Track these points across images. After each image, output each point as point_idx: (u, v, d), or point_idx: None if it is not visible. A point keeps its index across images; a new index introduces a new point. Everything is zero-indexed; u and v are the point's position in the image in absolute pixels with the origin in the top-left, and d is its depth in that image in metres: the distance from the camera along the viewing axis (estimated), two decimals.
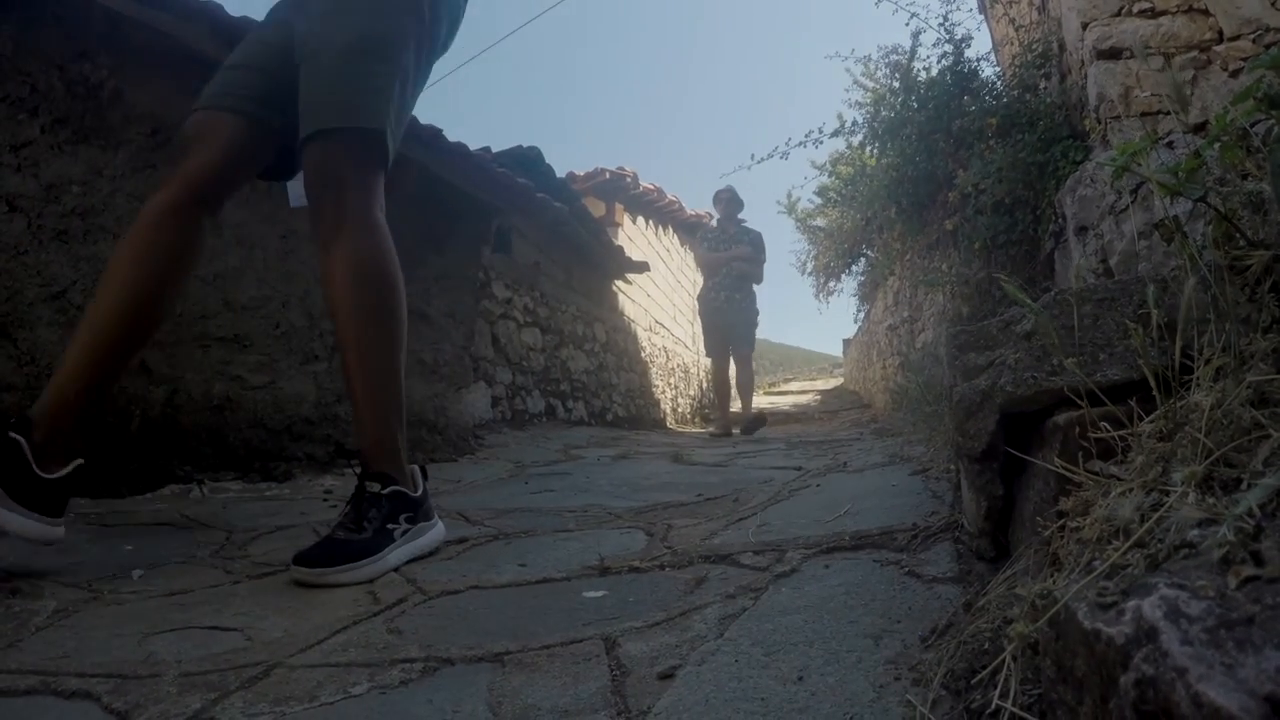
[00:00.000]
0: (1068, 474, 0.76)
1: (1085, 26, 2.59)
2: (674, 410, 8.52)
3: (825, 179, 8.04)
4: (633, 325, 7.35)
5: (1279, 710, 0.34)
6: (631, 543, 1.61)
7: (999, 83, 3.62)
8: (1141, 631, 0.42)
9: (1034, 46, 3.24)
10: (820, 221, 9.00)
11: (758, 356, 6.30)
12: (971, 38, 3.74)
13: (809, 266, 9.38)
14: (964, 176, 3.09)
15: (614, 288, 6.88)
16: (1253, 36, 2.43)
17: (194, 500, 2.20)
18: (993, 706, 0.63)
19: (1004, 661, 0.63)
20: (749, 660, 0.88)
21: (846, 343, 15.03)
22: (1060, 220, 2.48)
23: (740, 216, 6.16)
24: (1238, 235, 0.80)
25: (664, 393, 8.19)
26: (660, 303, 8.79)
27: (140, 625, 1.13)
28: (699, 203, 10.34)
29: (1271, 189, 0.80)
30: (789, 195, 10.37)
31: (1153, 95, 2.44)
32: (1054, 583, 0.60)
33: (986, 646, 0.75)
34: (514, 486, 2.59)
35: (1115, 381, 0.85)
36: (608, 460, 3.40)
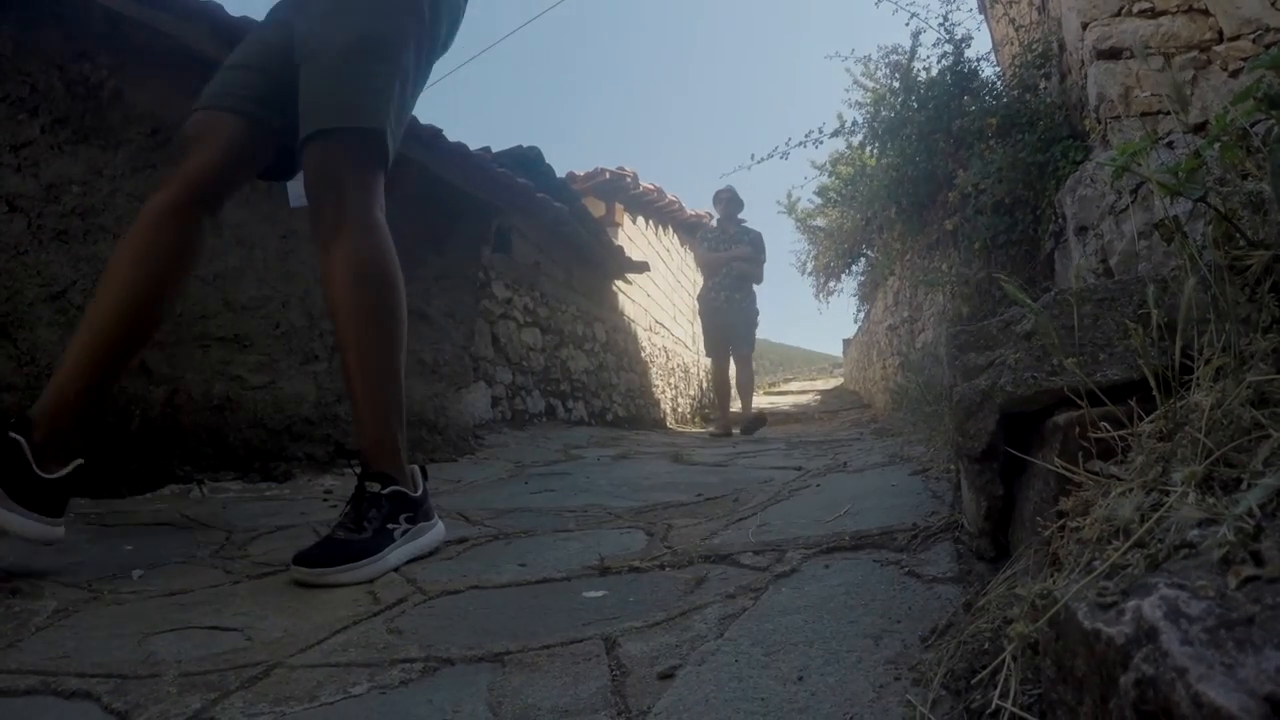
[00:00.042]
0: (1068, 474, 0.76)
1: (1085, 26, 2.59)
2: (674, 410, 8.52)
3: (825, 179, 8.05)
4: (633, 325, 7.35)
5: (1279, 710, 0.34)
6: (631, 543, 1.61)
7: (999, 83, 3.62)
8: (1141, 631, 0.42)
9: (1034, 46, 3.24)
10: (820, 221, 9.01)
11: (757, 356, 6.29)
12: (971, 38, 3.74)
13: (809, 266, 9.39)
14: (964, 176, 3.09)
15: (614, 288, 6.88)
16: (1253, 36, 2.43)
17: (194, 500, 2.20)
18: (993, 706, 0.63)
19: (1004, 661, 0.63)
20: (749, 660, 0.88)
21: (846, 343, 15.03)
22: (1060, 220, 2.48)
23: (740, 216, 6.15)
24: (1238, 235, 0.80)
25: (664, 393, 8.19)
26: (660, 303, 8.79)
27: (140, 625, 1.13)
28: (699, 203, 10.34)
29: (1271, 189, 0.80)
30: (789, 195, 10.37)
31: (1153, 95, 2.44)
32: (1054, 583, 0.60)
33: (986, 646, 0.75)
34: (514, 486, 2.59)
35: (1115, 381, 0.85)
36: (608, 460, 3.40)
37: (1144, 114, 2.44)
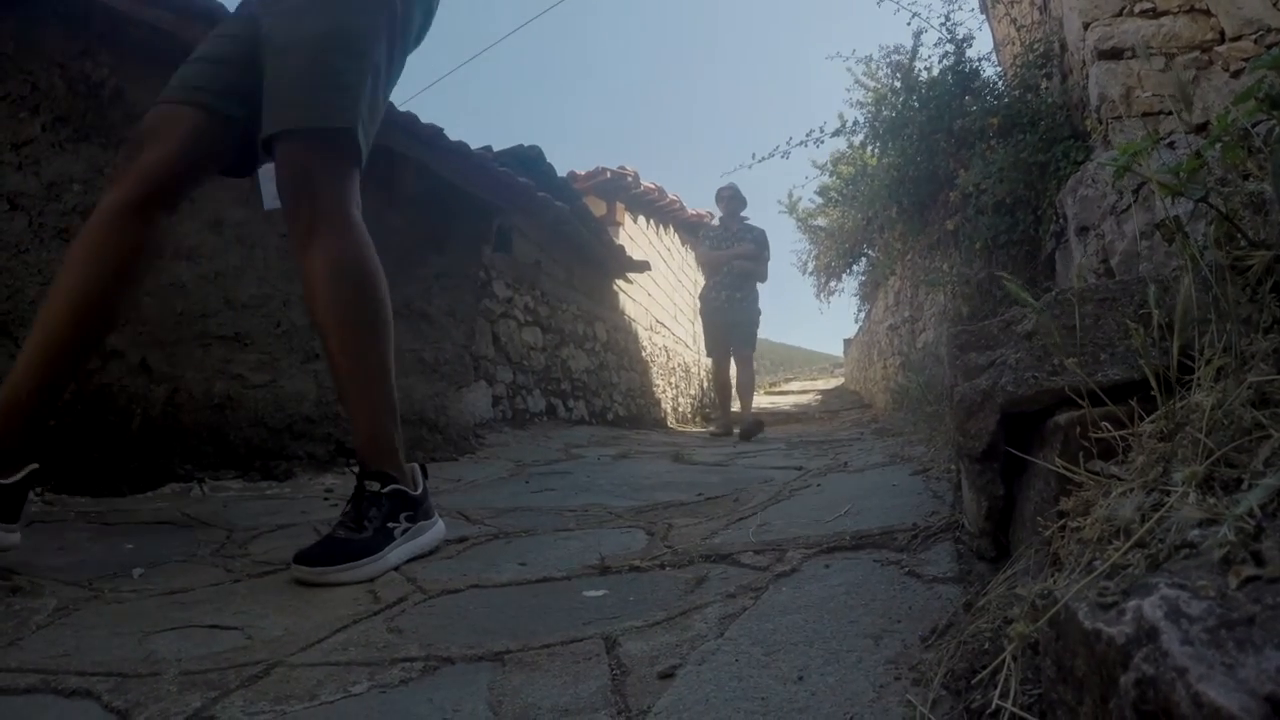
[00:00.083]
0: (1068, 474, 0.76)
1: (1087, 26, 2.59)
2: (674, 410, 8.52)
3: (826, 178, 8.05)
4: (633, 324, 7.35)
5: (1279, 710, 0.34)
6: (632, 542, 1.61)
7: (1000, 83, 3.62)
8: (1142, 631, 0.42)
9: (1035, 46, 3.24)
10: (821, 221, 9.01)
11: (758, 356, 6.25)
12: (973, 38, 3.74)
13: (810, 266, 9.40)
14: (965, 176, 3.09)
15: (615, 287, 6.88)
16: (1254, 37, 2.43)
17: (195, 499, 2.20)
18: (993, 706, 0.63)
19: (1004, 661, 0.63)
20: (749, 660, 0.88)
21: (847, 342, 15.03)
22: (1061, 220, 2.48)
23: (743, 215, 6.11)
24: (1239, 235, 0.80)
25: (664, 392, 8.19)
26: (661, 302, 8.79)
27: (141, 624, 1.13)
28: (700, 202, 10.36)
29: (1273, 189, 0.80)
30: (790, 195, 10.39)
31: (1154, 95, 2.44)
32: (1054, 583, 0.60)
33: (987, 646, 0.75)
34: (514, 485, 2.59)
35: (1116, 381, 0.85)
36: (608, 459, 3.40)
37: (1145, 114, 2.43)
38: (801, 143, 4.58)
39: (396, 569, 1.41)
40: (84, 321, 1.42)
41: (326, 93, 1.46)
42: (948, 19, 3.71)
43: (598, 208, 6.81)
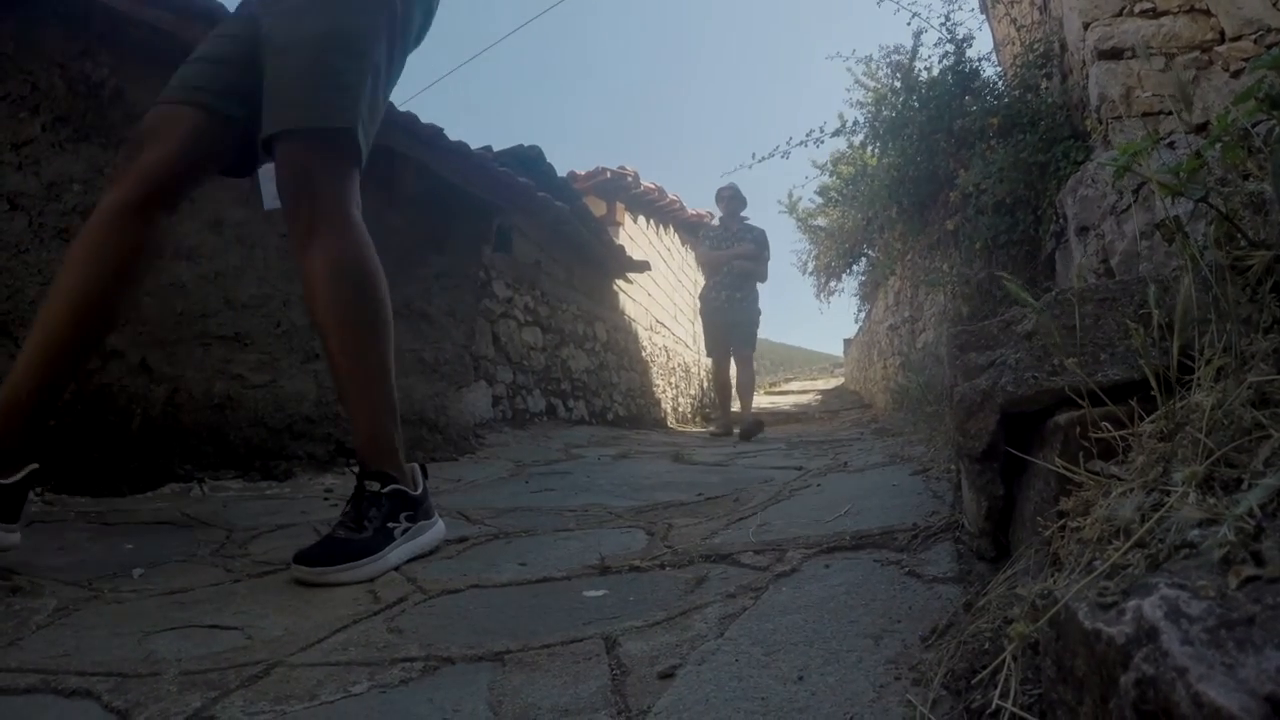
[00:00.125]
0: (1068, 474, 0.76)
1: (1087, 26, 2.59)
2: (674, 410, 8.52)
3: (826, 178, 8.04)
4: (633, 324, 7.35)
5: (1279, 710, 0.34)
6: (632, 542, 1.61)
7: (1000, 83, 3.61)
8: (1142, 631, 0.42)
9: (1035, 46, 3.24)
10: (821, 221, 9.01)
11: (758, 356, 6.23)
12: (973, 37, 3.74)
13: (810, 266, 9.39)
14: (965, 176, 3.09)
15: (615, 287, 6.88)
16: (1254, 37, 2.43)
17: (194, 499, 2.20)
18: (993, 706, 0.63)
19: (1004, 661, 0.63)
20: (749, 660, 0.88)
21: (847, 342, 15.03)
22: (1061, 220, 2.48)
23: (743, 214, 6.09)
24: (1239, 235, 0.80)
25: (664, 392, 8.19)
26: (661, 302, 8.79)
27: (140, 624, 1.13)
28: (700, 202, 10.36)
29: (1273, 189, 0.80)
30: (790, 195, 10.39)
31: (1154, 95, 2.44)
32: (1054, 583, 0.60)
33: (987, 646, 0.75)
34: (514, 485, 2.59)
35: (1116, 381, 0.85)
36: (608, 459, 3.40)
37: (1145, 114, 2.43)
38: (801, 143, 4.58)
39: (396, 569, 1.41)
40: (84, 321, 1.42)
41: (326, 93, 1.45)
42: (948, 19, 3.71)
43: (598, 208, 6.81)
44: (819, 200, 8.78)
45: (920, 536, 1.28)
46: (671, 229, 9.48)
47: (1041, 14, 3.40)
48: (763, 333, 6.18)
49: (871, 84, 5.81)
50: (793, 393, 14.62)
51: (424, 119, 3.25)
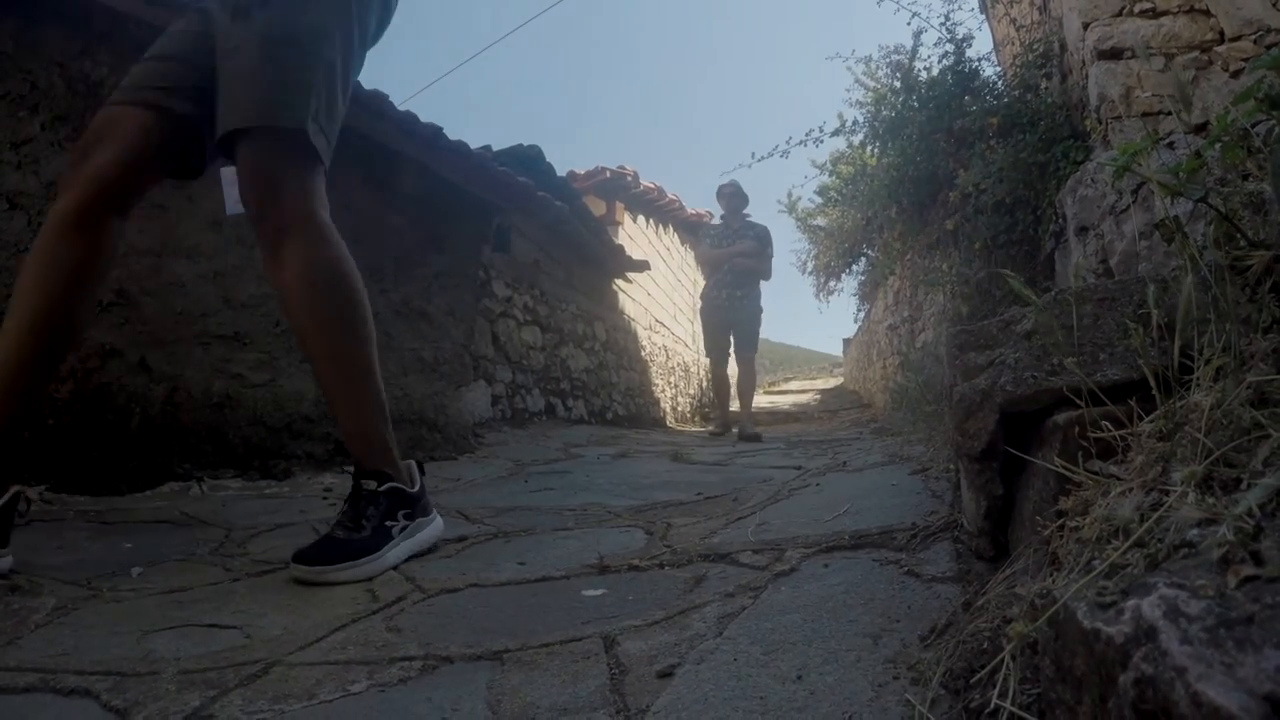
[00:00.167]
0: (1067, 473, 0.76)
1: (1086, 26, 2.59)
2: (674, 409, 8.52)
3: (826, 178, 8.04)
4: (633, 324, 7.35)
5: (1278, 709, 0.34)
6: (631, 541, 1.61)
7: (1000, 82, 3.62)
8: (1141, 631, 0.42)
9: (1035, 46, 3.24)
10: (821, 221, 9.01)
11: (757, 356, 6.15)
12: (973, 37, 3.73)
13: (809, 266, 9.40)
14: (965, 176, 3.09)
15: (614, 286, 6.88)
16: (1254, 37, 2.43)
17: (193, 498, 2.20)
18: (991, 706, 0.63)
19: (1003, 661, 0.63)
20: (748, 659, 0.88)
21: (846, 342, 15.03)
22: (1061, 220, 2.48)
23: (745, 212, 5.99)
24: (1238, 235, 0.80)
25: (664, 391, 8.19)
26: (660, 301, 8.79)
27: (139, 623, 1.13)
28: (699, 202, 10.36)
29: (1272, 189, 0.80)
30: (789, 194, 10.38)
31: (1154, 95, 2.44)
32: (1053, 582, 0.59)
33: (985, 646, 0.75)
34: (513, 485, 2.59)
35: (1115, 381, 0.85)
36: (607, 459, 3.40)
37: (1145, 114, 2.43)
38: (801, 142, 4.57)
39: (395, 568, 1.41)
40: (42, 342, 1.37)
41: (279, 92, 1.41)
42: (947, 19, 3.71)
43: (597, 207, 6.81)
44: (818, 200, 8.79)
45: (919, 536, 1.28)
46: (671, 228, 9.48)
47: (1041, 14, 3.40)
48: (762, 332, 6.11)
49: (871, 84, 5.81)
50: (792, 392, 14.63)
51: (424, 118, 3.26)
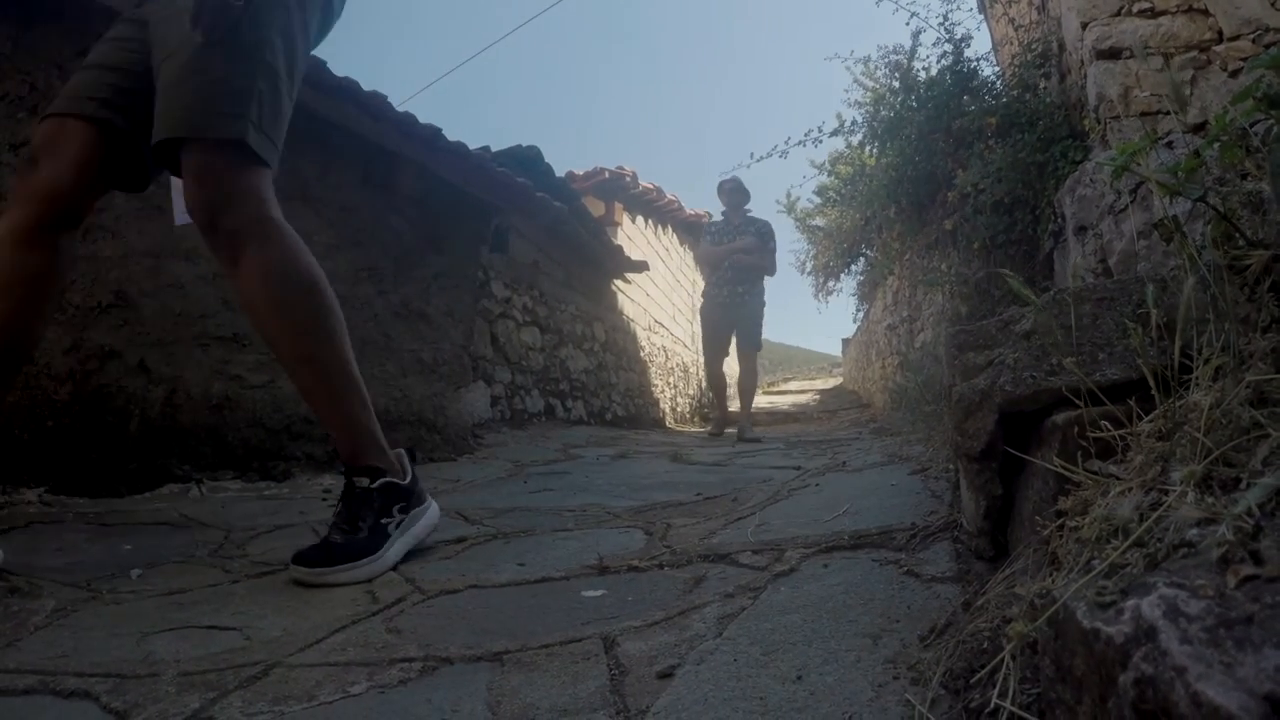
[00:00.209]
0: (1067, 473, 0.76)
1: (1085, 26, 2.59)
2: (673, 410, 8.52)
3: (824, 178, 8.04)
4: (632, 324, 7.35)
5: (1278, 709, 0.34)
6: (630, 542, 1.61)
7: (999, 82, 3.62)
8: (1140, 630, 0.42)
9: (1034, 46, 3.24)
10: (819, 221, 9.01)
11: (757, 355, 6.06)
12: (971, 37, 3.74)
13: (808, 266, 9.40)
14: (963, 176, 3.10)
15: (613, 287, 6.88)
16: (1252, 36, 2.43)
17: (193, 499, 2.20)
18: (991, 705, 0.63)
19: (1003, 660, 0.63)
20: (748, 659, 0.88)
21: (845, 342, 15.04)
22: (1059, 220, 2.48)
23: (746, 207, 5.88)
24: (1237, 235, 0.80)
25: (663, 392, 8.19)
26: (660, 302, 8.79)
27: (139, 624, 1.13)
28: (699, 202, 10.37)
29: (1271, 189, 0.80)
30: (788, 195, 10.39)
31: (1152, 95, 2.44)
32: (1053, 582, 0.60)
33: (985, 646, 0.75)
34: (513, 486, 2.59)
35: (1114, 381, 0.85)
36: (607, 459, 3.40)
37: (1144, 114, 2.44)
38: (800, 142, 4.58)
39: (395, 568, 1.41)
40: (3, 345, 1.36)
41: (217, 102, 1.37)
42: (946, 19, 3.72)
43: (596, 208, 6.81)
44: (817, 200, 8.79)
45: (919, 536, 1.28)
46: (670, 229, 9.48)
47: (1039, 14, 3.40)
48: (762, 332, 6.06)
49: (870, 84, 5.81)
50: (791, 392, 14.63)
51: (422, 119, 3.26)
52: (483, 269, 4.19)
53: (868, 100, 5.39)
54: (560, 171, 5.13)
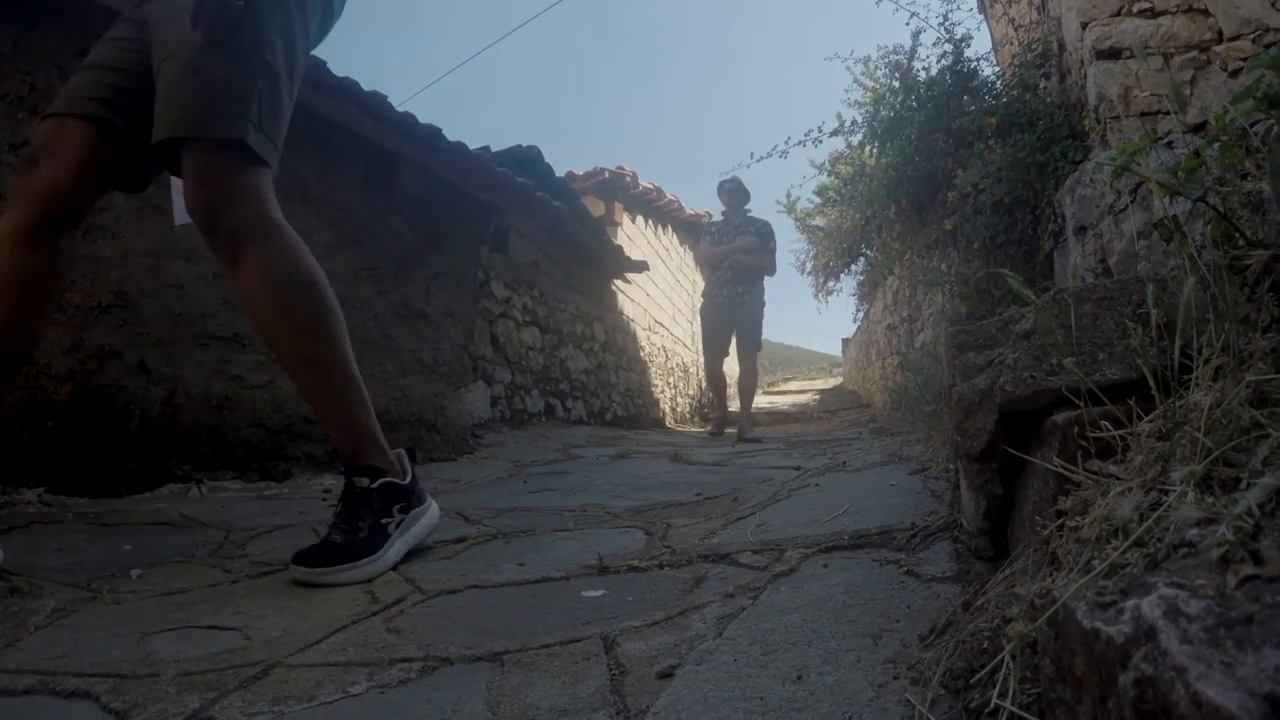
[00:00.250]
0: (1067, 473, 0.76)
1: (1085, 26, 2.59)
2: (673, 410, 8.52)
3: (824, 178, 8.04)
4: (632, 324, 7.35)
5: (1278, 709, 0.34)
6: (630, 542, 1.61)
7: (999, 82, 3.62)
8: (1140, 630, 0.42)
9: (1034, 46, 3.24)
10: (819, 221, 9.02)
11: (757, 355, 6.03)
12: (971, 37, 3.75)
13: (808, 266, 9.41)
14: (963, 176, 3.10)
15: (613, 287, 6.88)
16: (1252, 36, 2.43)
17: (193, 499, 2.20)
18: (991, 705, 0.63)
19: (1003, 660, 0.63)
20: (748, 659, 0.88)
21: (845, 342, 15.04)
22: (1059, 220, 2.48)
23: (746, 207, 5.80)
24: (1237, 235, 0.80)
25: (663, 392, 8.19)
26: (659, 302, 8.79)
27: (139, 624, 1.13)
28: (698, 202, 10.36)
29: (1271, 188, 0.80)
30: (788, 194, 10.39)
31: (1152, 95, 2.44)
32: (1053, 582, 0.60)
33: (985, 645, 0.75)
34: (513, 486, 2.59)
35: (1114, 381, 0.85)
36: (607, 459, 3.40)
37: (1144, 114, 2.44)
38: (800, 142, 4.59)
39: (395, 568, 1.41)
40: (3, 345, 1.36)
41: (217, 102, 1.37)
42: (946, 19, 3.72)
43: (596, 208, 6.81)
44: (817, 200, 8.79)
45: (919, 536, 1.28)
46: (670, 229, 9.48)
47: (1039, 14, 3.40)
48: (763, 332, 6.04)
49: (870, 84, 5.81)
50: (791, 392, 14.63)
51: (422, 119, 3.26)
52: (483, 269, 4.19)
53: (868, 100, 5.39)
54: (560, 171, 5.13)
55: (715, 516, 1.83)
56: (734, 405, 6.30)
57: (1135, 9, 2.54)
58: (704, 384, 9.56)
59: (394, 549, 1.43)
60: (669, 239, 9.52)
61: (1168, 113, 2.37)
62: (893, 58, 4.77)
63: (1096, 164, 2.08)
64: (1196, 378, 0.70)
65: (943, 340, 1.20)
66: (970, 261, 3.21)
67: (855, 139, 4.84)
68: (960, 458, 1.09)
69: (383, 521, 1.43)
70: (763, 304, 5.62)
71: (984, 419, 0.98)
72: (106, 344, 2.33)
